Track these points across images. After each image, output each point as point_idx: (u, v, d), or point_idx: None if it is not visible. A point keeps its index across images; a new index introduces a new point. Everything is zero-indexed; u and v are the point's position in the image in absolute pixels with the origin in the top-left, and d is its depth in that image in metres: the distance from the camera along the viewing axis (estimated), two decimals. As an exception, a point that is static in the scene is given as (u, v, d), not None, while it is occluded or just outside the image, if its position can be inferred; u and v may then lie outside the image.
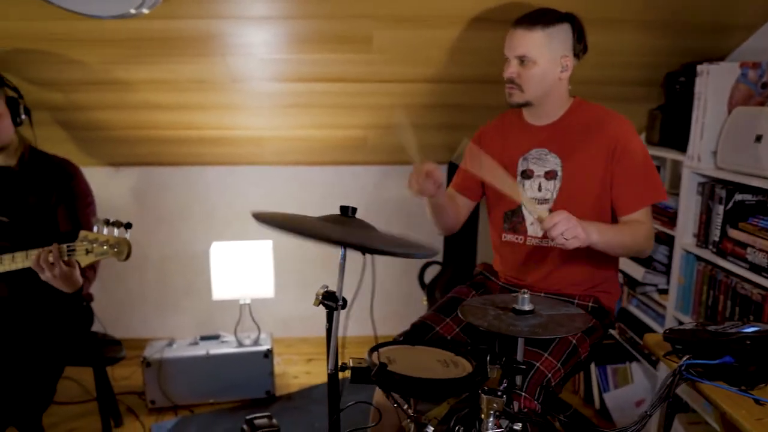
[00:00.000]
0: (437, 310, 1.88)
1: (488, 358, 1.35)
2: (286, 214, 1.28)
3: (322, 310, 3.38)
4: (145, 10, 1.90)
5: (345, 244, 1.23)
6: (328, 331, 1.32)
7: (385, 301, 3.16)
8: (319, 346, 3.17)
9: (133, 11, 1.87)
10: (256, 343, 2.62)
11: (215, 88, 2.50)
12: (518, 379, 1.41)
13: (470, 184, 1.99)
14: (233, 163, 3.02)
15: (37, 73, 2.31)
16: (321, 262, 3.11)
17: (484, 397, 1.25)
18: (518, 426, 1.28)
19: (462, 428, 1.32)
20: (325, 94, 2.55)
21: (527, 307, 1.33)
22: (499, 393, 1.25)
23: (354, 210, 1.30)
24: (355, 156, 2.99)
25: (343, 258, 1.29)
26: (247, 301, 2.63)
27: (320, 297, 1.32)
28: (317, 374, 2.86)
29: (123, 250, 1.81)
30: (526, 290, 1.35)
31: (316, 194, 3.08)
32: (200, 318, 3.13)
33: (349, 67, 2.39)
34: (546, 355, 1.62)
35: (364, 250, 1.23)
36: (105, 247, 1.80)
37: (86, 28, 2.09)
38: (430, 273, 3.00)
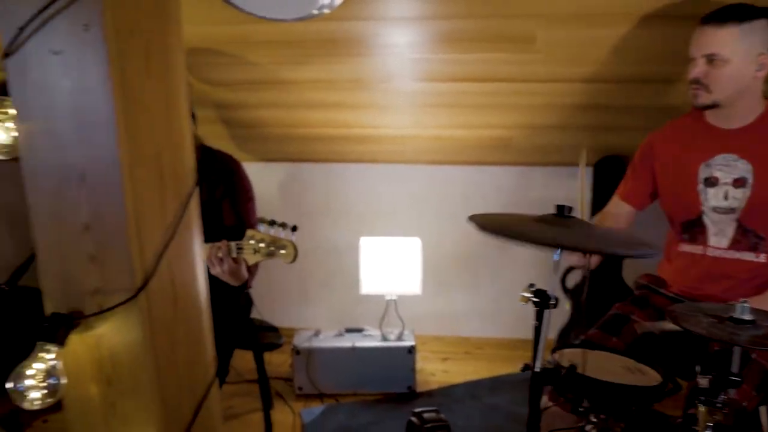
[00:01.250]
0: (602, 328, 1.81)
1: (698, 368, 1.29)
2: (503, 215, 1.29)
3: (457, 310, 3.38)
4: (327, 11, 1.98)
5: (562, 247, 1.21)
6: (537, 329, 1.31)
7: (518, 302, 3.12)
8: (453, 345, 3.19)
9: (315, 12, 1.96)
10: (399, 338, 2.67)
11: (369, 88, 2.57)
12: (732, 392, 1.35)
13: (639, 192, 1.92)
14: (374, 161, 3.09)
15: (212, 73, 2.48)
16: (461, 261, 3.12)
17: (702, 408, 1.21)
18: (732, 441, 1.22)
19: (675, 438, 1.28)
20: (475, 93, 2.55)
21: (747, 317, 1.26)
22: (719, 405, 1.20)
23: (570, 209, 1.29)
24: (496, 156, 2.97)
25: (559, 256, 1.27)
26: (394, 297, 2.68)
27: (528, 295, 1.31)
28: (455, 373, 2.86)
29: (290, 253, 1.87)
30: (745, 299, 1.28)
31: (454, 193, 3.08)
32: (338, 311, 3.23)
33: (504, 67, 2.38)
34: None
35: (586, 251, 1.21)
36: (272, 248, 1.86)
37: (262, 30, 2.21)
38: (573, 278, 2.92)
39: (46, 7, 0.86)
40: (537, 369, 1.31)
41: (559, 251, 1.25)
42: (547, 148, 2.88)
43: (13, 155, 0.95)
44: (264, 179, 3.13)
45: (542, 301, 1.29)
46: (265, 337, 2.44)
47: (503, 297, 3.12)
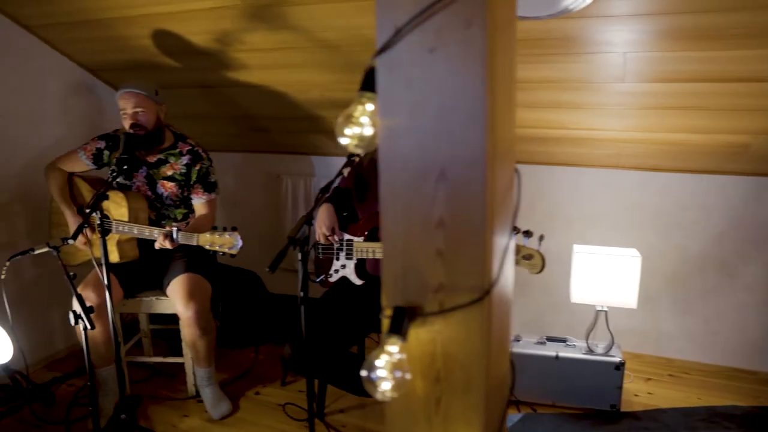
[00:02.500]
0: None
1: None
2: None
3: (663, 328, 3.11)
4: (582, 5, 1.88)
5: None
6: None
7: (741, 329, 2.82)
8: (656, 365, 2.96)
9: (570, 6, 1.87)
10: (607, 352, 2.51)
11: (594, 88, 2.44)
12: None
13: None
14: (584, 165, 2.94)
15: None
16: (672, 277, 2.88)
17: None
18: None
19: None
20: (717, 94, 2.32)
21: None
22: None
23: None
24: (725, 164, 2.69)
25: None
26: (605, 309, 2.53)
27: None
28: (660, 397, 2.65)
29: (537, 264, 1.78)
30: None
31: (669, 203, 2.85)
32: (535, 316, 3.14)
33: (757, 65, 2.13)
34: None
35: None
36: (517, 257, 1.79)
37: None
38: (813, 306, 2.58)
39: (429, 7, 0.86)
40: None
41: None
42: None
43: (367, 150, 0.98)
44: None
45: None
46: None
47: (717, 320, 2.84)
